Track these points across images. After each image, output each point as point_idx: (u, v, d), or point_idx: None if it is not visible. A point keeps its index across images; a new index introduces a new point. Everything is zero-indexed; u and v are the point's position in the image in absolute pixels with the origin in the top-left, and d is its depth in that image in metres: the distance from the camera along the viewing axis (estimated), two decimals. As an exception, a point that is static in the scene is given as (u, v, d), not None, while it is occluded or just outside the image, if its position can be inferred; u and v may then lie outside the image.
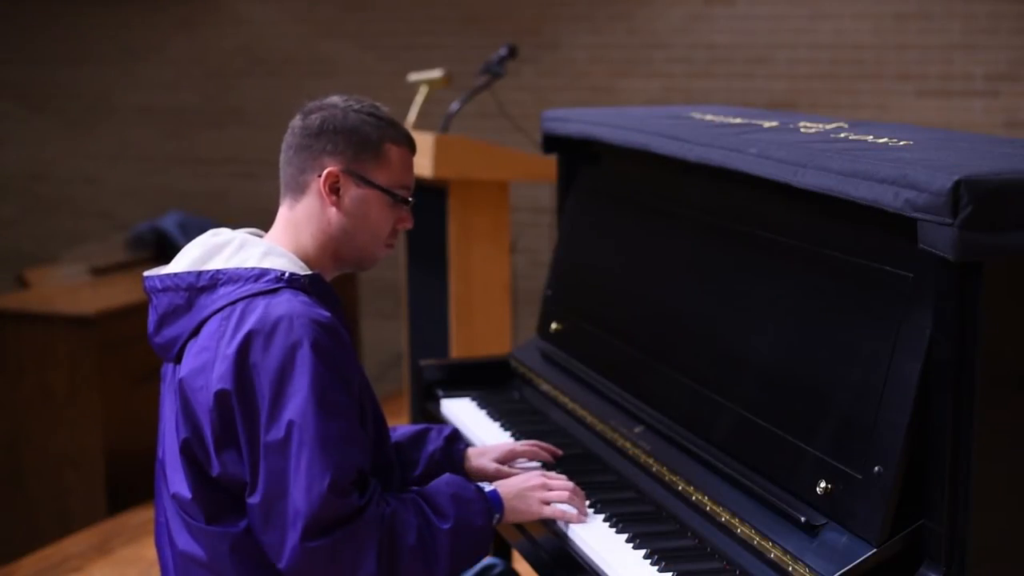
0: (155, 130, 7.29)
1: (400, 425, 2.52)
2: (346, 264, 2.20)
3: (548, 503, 2.20)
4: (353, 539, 1.94)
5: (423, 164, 4.03)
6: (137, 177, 7.37)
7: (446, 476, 2.16)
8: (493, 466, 2.44)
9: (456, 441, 2.47)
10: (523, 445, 2.52)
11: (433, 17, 6.52)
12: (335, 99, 2.18)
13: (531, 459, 2.50)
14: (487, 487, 2.17)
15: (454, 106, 4.49)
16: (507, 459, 2.48)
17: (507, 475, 2.42)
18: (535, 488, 2.21)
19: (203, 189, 7.16)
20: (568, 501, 2.22)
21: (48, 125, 7.54)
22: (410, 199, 2.20)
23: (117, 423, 4.75)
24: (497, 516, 2.14)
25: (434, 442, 2.45)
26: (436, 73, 4.47)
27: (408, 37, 6.59)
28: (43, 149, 7.56)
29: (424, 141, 4.04)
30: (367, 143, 2.13)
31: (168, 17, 7.15)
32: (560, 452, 2.54)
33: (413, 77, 4.55)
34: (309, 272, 2.10)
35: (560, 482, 2.24)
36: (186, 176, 7.23)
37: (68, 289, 5.26)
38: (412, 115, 4.47)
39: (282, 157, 2.18)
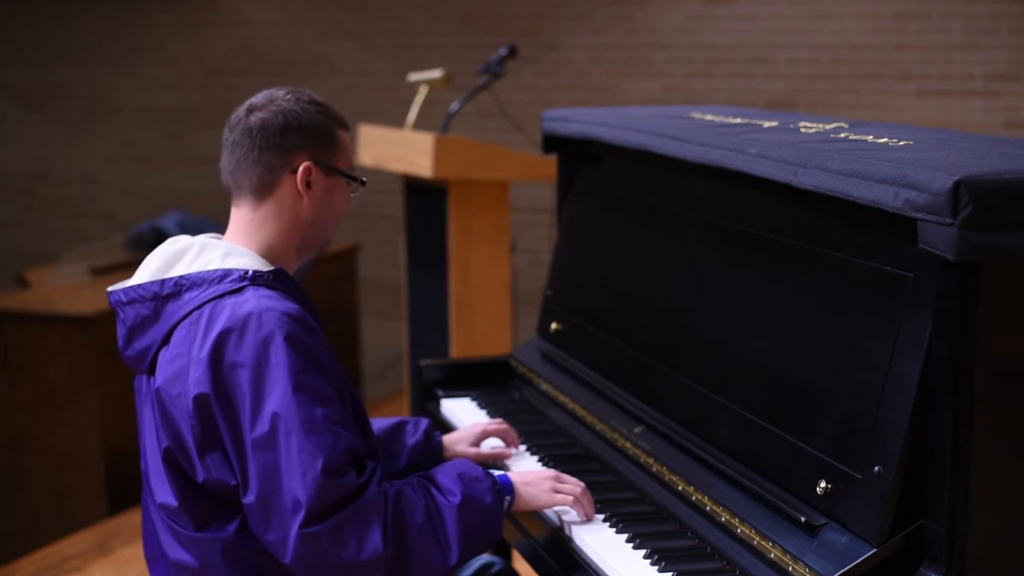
0: (155, 130, 7.29)
1: (376, 419, 2.55)
2: (309, 252, 2.23)
3: (560, 494, 2.22)
4: (355, 518, 1.93)
5: (423, 164, 4.04)
6: (137, 177, 7.37)
7: (452, 460, 2.20)
8: (472, 451, 2.55)
9: (432, 434, 2.54)
10: (492, 425, 2.61)
11: (433, 17, 6.52)
12: (279, 94, 2.18)
13: (500, 438, 2.60)
14: (498, 473, 2.19)
15: (454, 106, 4.49)
16: (479, 440, 2.58)
17: (486, 457, 2.55)
18: (548, 478, 2.23)
19: (203, 189, 7.16)
20: (580, 496, 2.23)
21: (48, 125, 7.54)
22: (364, 179, 2.27)
23: (117, 423, 4.75)
24: (508, 499, 2.15)
25: (413, 435, 2.50)
26: (436, 73, 4.47)
27: (408, 37, 6.59)
28: (43, 149, 7.56)
29: (424, 141, 4.04)
30: (327, 133, 2.17)
31: (168, 17, 7.15)
32: (519, 445, 2.62)
33: (413, 77, 4.55)
34: (272, 268, 2.11)
35: (572, 481, 2.26)
36: (186, 176, 7.24)
37: (68, 289, 5.26)
38: (412, 115, 4.47)
39: (236, 161, 2.15)
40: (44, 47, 7.44)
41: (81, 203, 7.52)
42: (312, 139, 2.15)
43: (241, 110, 2.18)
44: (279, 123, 2.14)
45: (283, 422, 1.93)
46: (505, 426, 2.62)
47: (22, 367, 4.82)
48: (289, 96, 2.18)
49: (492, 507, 2.08)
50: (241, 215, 2.17)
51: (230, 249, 2.12)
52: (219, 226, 2.31)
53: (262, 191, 2.15)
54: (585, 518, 2.23)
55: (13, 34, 7.48)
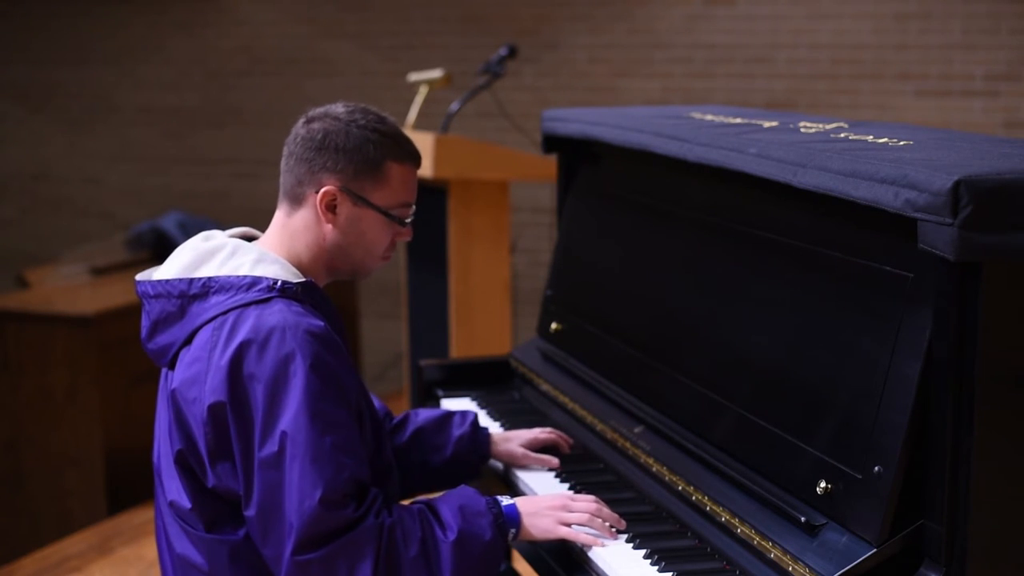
0: (155, 130, 7.29)
1: (421, 409, 2.54)
2: (340, 275, 2.19)
3: (568, 524, 2.14)
4: (347, 550, 1.92)
5: (423, 164, 4.03)
6: (137, 177, 7.37)
7: (460, 488, 2.13)
8: (521, 451, 2.50)
9: (480, 428, 2.50)
10: (545, 433, 2.57)
11: (433, 17, 6.52)
12: (339, 109, 2.13)
13: (551, 446, 2.56)
14: (506, 502, 2.13)
15: (454, 106, 4.49)
16: (531, 446, 2.53)
17: (535, 461, 2.50)
18: (556, 508, 2.15)
19: (203, 189, 7.16)
20: (588, 522, 2.15)
21: (48, 125, 7.54)
22: (408, 218, 2.17)
23: (117, 423, 4.75)
24: (513, 531, 2.10)
25: (459, 427, 2.47)
26: (436, 73, 4.47)
27: (408, 37, 6.59)
28: (43, 149, 7.56)
29: (424, 141, 4.04)
30: (368, 162, 2.10)
31: (168, 17, 7.15)
32: (571, 441, 2.59)
33: (413, 77, 4.55)
34: (302, 280, 2.07)
35: (583, 503, 2.18)
36: (186, 176, 7.24)
37: (68, 289, 5.26)
38: (412, 115, 4.47)
39: (283, 162, 2.15)
40: (44, 47, 7.44)
41: (81, 203, 7.52)
42: (346, 163, 2.09)
43: (304, 116, 2.15)
44: (318, 139, 2.09)
45: (290, 444, 1.91)
46: (555, 436, 2.56)
47: (22, 367, 4.82)
48: (348, 113, 2.12)
49: (491, 543, 2.04)
50: (277, 219, 2.16)
51: (262, 255, 2.08)
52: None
53: (293, 201, 2.14)
54: (595, 543, 2.13)
55: (13, 34, 7.49)
